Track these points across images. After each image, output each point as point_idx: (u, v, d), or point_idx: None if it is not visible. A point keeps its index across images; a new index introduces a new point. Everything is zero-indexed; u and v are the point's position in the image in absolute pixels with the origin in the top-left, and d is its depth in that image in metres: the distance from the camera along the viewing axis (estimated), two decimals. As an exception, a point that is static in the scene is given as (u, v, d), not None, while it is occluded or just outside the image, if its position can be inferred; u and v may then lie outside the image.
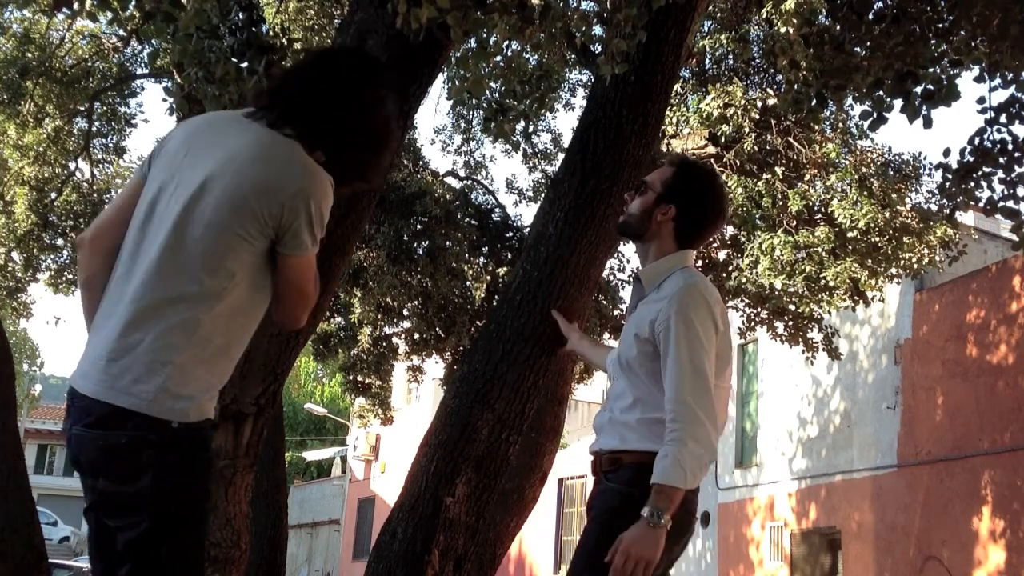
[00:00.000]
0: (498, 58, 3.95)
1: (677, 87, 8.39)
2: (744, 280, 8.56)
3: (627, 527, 2.24)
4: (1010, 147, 4.58)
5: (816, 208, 8.73)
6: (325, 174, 1.90)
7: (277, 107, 1.96)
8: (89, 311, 1.94)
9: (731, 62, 8.92)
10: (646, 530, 2.20)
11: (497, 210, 10.87)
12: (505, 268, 9.93)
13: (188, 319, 1.81)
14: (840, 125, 8.75)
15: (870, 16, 4.18)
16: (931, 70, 4.16)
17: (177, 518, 1.80)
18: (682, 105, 8.69)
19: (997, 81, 4.47)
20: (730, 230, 8.89)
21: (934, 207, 8.71)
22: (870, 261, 8.33)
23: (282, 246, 1.88)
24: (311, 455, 29.63)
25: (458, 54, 3.95)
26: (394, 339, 11.02)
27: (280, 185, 1.83)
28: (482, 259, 10.41)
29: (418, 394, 22.91)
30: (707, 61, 8.99)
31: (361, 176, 2.09)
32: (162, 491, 1.77)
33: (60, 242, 10.74)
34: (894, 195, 8.39)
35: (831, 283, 8.22)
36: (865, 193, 8.28)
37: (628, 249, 10.16)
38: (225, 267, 1.83)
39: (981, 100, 4.54)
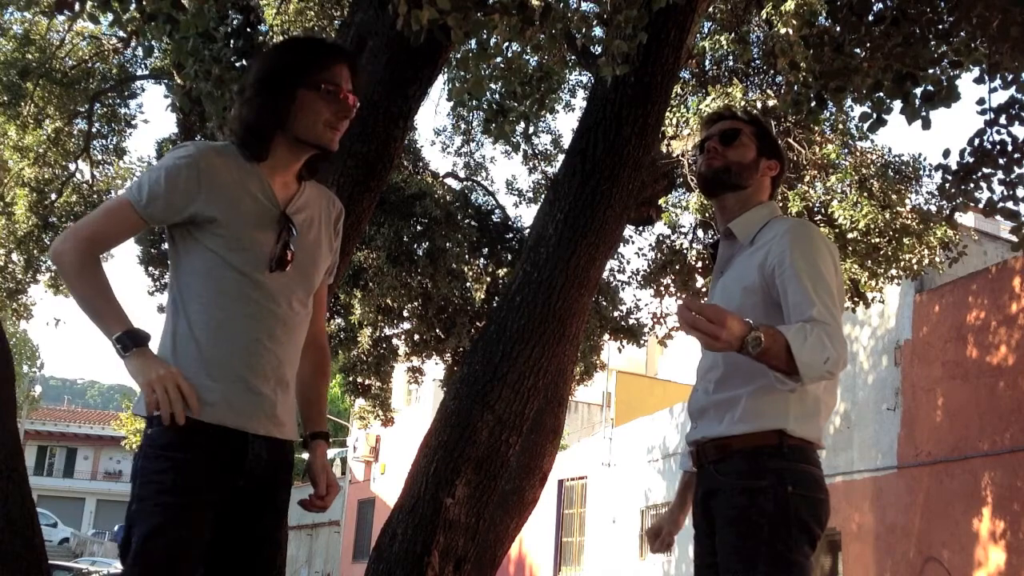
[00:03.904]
0: (498, 59, 3.95)
1: (677, 88, 8.39)
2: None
3: (765, 524, 1.98)
4: (1010, 148, 4.57)
5: (816, 209, 8.72)
6: (183, 146, 2.01)
7: None
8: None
9: (731, 63, 8.92)
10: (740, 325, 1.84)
11: (497, 211, 10.88)
12: (505, 269, 9.93)
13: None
14: (840, 126, 8.75)
15: (870, 17, 4.17)
16: (931, 71, 4.16)
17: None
18: (682, 106, 8.68)
19: (997, 82, 4.46)
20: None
21: (934, 208, 8.70)
22: (870, 262, 8.33)
23: None
24: (311, 456, 29.59)
25: (458, 55, 3.95)
26: (394, 340, 11.02)
27: None
28: (482, 260, 10.41)
29: (418, 395, 22.90)
30: (707, 62, 9.00)
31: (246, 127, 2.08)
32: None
33: (60, 243, 10.71)
34: (894, 196, 8.39)
35: (831, 284, 8.20)
36: (865, 194, 8.28)
37: (628, 250, 10.14)
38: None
39: (981, 101, 4.53)
